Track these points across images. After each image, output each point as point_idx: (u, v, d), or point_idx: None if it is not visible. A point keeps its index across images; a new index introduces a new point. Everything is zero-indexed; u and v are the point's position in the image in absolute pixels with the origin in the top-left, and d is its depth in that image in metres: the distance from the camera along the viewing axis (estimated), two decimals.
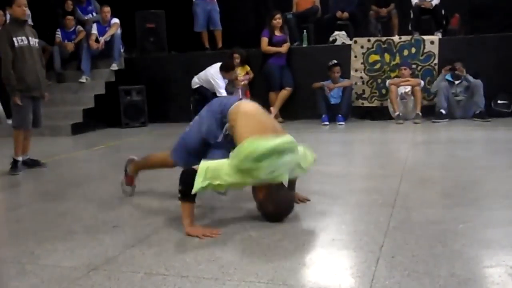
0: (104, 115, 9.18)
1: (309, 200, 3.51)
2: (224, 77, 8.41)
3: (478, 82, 7.94)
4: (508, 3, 9.92)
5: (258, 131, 2.98)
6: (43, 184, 4.94)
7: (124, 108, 9.14)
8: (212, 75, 8.39)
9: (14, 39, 5.18)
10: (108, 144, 7.30)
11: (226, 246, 2.69)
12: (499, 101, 8.07)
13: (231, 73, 8.55)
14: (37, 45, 5.46)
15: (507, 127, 7.10)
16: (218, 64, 8.45)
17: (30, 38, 5.33)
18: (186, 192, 2.85)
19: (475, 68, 8.13)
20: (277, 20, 8.76)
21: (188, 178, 2.83)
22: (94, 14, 10.32)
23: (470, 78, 8.02)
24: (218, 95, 8.11)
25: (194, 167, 2.85)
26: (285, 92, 8.76)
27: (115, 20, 9.52)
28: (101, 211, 3.57)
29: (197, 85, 8.67)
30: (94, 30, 9.49)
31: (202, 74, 8.59)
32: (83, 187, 4.51)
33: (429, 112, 8.13)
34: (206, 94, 8.62)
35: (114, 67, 9.42)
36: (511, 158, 4.87)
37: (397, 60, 8.61)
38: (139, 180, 4.02)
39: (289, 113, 8.87)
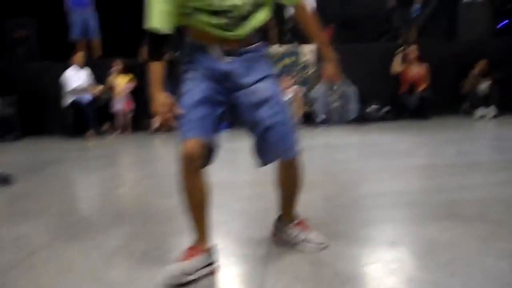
0: None
1: None
2: (74, 68, 8.47)
3: (352, 89, 8.41)
4: (375, 17, 10.64)
5: None
6: None
7: None
8: (62, 79, 8.31)
9: None
10: None
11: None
12: (371, 107, 8.60)
13: (75, 56, 8.57)
14: None
15: (378, 131, 7.58)
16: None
17: None
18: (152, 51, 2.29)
19: (349, 76, 8.60)
20: None
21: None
22: None
23: (345, 85, 8.47)
24: (68, 90, 8.23)
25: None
26: None
27: None
28: None
29: (69, 100, 8.44)
30: None
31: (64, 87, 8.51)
32: None
33: (308, 119, 8.46)
34: (80, 104, 8.38)
35: None
36: (383, 161, 5.19)
37: (277, 69, 8.88)
38: None
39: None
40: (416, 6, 9.37)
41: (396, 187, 3.99)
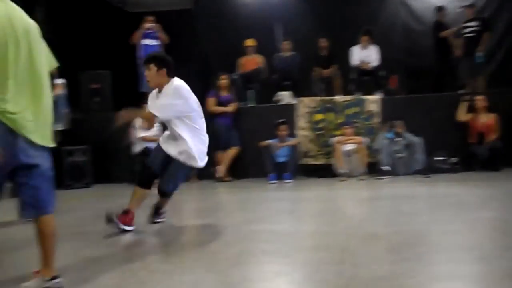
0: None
1: None
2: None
3: (418, 139, 8.26)
4: (440, 66, 10.50)
5: None
6: None
7: (67, 169, 8.91)
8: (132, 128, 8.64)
9: None
10: None
11: None
12: (437, 158, 8.38)
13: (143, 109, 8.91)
14: None
15: (446, 182, 7.36)
16: None
17: None
18: None
19: (414, 126, 8.47)
20: (223, 81, 8.91)
21: None
22: None
23: (410, 135, 8.33)
24: (137, 138, 8.67)
25: None
26: (232, 152, 8.81)
27: (60, 81, 9.41)
28: None
29: (139, 148, 8.71)
30: None
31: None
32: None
33: (373, 169, 8.35)
34: (149, 153, 8.61)
35: (58, 127, 9.23)
36: (451, 212, 5.01)
37: (341, 119, 8.87)
38: None
39: (237, 172, 8.90)
40: (479, 54, 9.17)
41: (466, 241, 3.84)
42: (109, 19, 11.90)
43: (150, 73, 4.60)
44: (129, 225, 4.68)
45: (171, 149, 4.67)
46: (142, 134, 8.72)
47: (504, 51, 10.82)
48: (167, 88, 4.57)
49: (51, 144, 2.93)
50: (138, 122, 8.79)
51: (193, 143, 4.63)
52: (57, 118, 9.93)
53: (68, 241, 4.41)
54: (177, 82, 4.62)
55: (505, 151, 8.09)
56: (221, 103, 8.85)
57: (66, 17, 10.99)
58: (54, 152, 3.11)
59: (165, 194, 4.88)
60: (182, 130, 4.60)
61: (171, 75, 4.62)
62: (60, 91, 9.35)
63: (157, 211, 5.01)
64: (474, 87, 9.27)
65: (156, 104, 4.60)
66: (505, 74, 10.59)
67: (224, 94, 8.92)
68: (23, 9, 2.86)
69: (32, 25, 2.86)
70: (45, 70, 2.91)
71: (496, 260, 3.23)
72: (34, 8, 10.89)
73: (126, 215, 4.68)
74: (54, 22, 11.21)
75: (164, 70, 4.58)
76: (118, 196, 7.87)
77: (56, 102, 9.20)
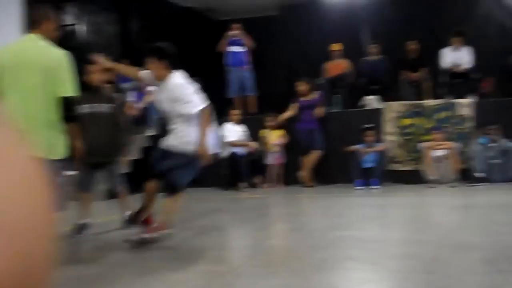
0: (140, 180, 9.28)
1: None
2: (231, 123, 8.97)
3: None
4: None
5: None
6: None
7: None
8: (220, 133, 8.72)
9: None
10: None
11: None
12: None
13: (232, 113, 9.04)
14: (106, 110, 5.34)
15: None
16: None
17: (98, 104, 5.25)
18: None
19: (510, 131, 8.02)
20: (300, 87, 8.91)
21: None
22: (131, 82, 10.68)
23: (506, 141, 7.91)
24: (225, 143, 8.55)
25: None
26: (313, 156, 8.76)
27: (151, 88, 9.79)
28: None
29: (226, 153, 8.83)
30: (131, 97, 9.79)
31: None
32: None
33: (465, 176, 8.00)
34: (235, 157, 8.74)
35: (149, 132, 9.63)
36: None
37: (431, 123, 8.58)
38: None
39: (323, 177, 8.83)
40: None
41: None
42: (198, 27, 12.27)
43: (152, 66, 4.30)
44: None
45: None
46: (229, 139, 8.88)
47: None
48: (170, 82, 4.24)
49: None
50: (225, 128, 8.96)
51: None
52: (149, 124, 10.40)
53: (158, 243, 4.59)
54: (177, 76, 4.29)
55: None
56: (300, 108, 8.84)
57: (157, 27, 11.45)
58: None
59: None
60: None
61: (173, 67, 4.31)
62: (152, 98, 9.73)
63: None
64: None
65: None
66: None
67: (305, 99, 8.89)
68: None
69: (51, 59, 3.68)
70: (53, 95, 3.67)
71: None
72: (128, 19, 11.46)
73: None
74: (147, 31, 11.72)
75: (166, 61, 4.28)
76: (207, 199, 8.11)
77: (148, 109, 9.68)
